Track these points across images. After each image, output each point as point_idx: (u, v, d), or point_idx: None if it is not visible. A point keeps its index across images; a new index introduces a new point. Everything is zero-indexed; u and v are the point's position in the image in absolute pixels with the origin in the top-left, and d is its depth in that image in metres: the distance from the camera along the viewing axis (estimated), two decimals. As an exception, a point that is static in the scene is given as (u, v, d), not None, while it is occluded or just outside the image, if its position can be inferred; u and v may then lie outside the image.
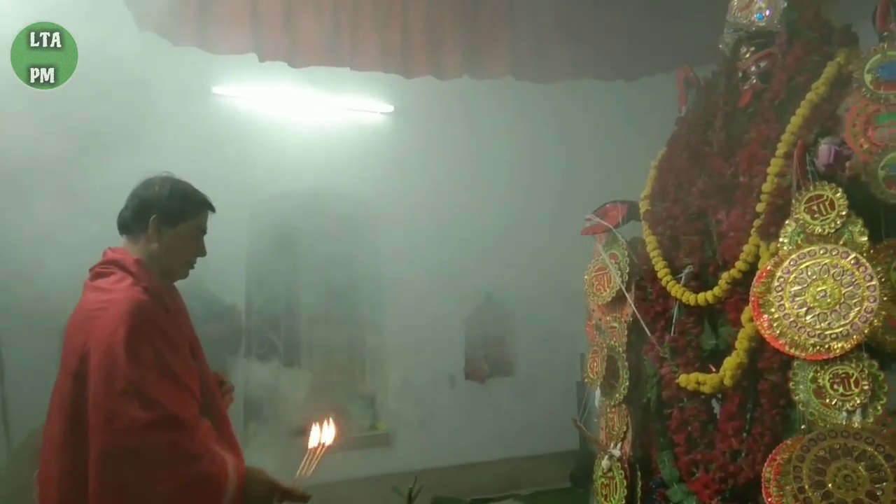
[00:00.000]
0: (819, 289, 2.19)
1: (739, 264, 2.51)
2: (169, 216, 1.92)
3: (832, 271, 2.18)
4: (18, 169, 3.44)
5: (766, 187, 2.49)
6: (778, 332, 2.24)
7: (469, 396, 5.50)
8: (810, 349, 2.16)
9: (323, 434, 2.03)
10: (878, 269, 2.12)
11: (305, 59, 3.89)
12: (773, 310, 2.26)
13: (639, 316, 2.88)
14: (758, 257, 2.46)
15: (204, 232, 2.02)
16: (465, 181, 5.20)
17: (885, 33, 2.49)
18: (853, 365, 2.11)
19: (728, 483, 2.43)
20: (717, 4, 2.95)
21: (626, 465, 2.82)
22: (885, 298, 2.08)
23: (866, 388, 2.07)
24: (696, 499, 2.53)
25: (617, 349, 2.94)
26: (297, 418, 4.55)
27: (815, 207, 2.27)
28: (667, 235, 2.90)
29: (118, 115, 3.65)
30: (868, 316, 2.08)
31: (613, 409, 2.97)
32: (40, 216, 3.34)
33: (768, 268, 2.32)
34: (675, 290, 2.74)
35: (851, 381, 2.10)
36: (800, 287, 2.22)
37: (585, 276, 3.24)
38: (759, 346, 2.38)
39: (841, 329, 2.12)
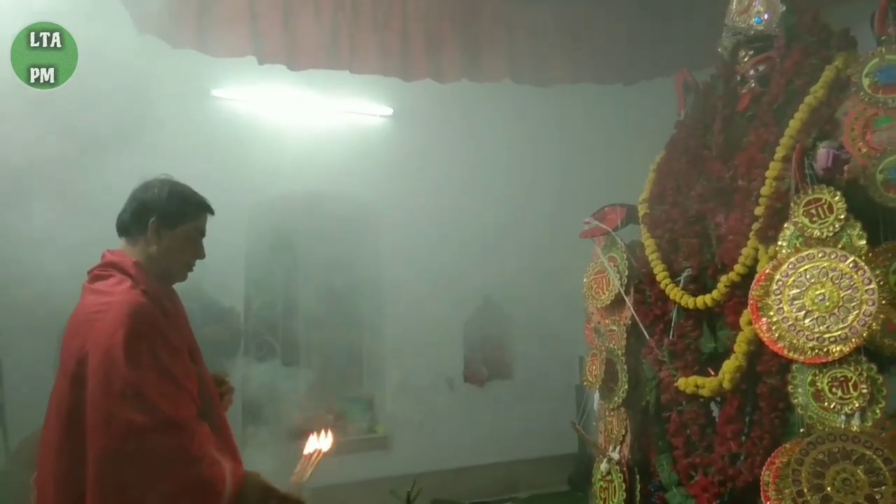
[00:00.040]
0: (818, 292, 2.19)
1: (738, 268, 2.51)
2: (168, 218, 1.92)
3: (831, 275, 2.17)
4: (18, 169, 3.44)
5: (764, 191, 2.49)
6: (777, 335, 2.24)
7: (468, 399, 5.50)
8: (809, 352, 2.16)
9: (320, 441, 2.02)
10: (877, 272, 2.12)
11: (305, 62, 3.90)
12: (771, 313, 2.26)
13: (637, 319, 2.88)
14: (756, 261, 2.46)
15: (203, 234, 2.02)
16: (464, 184, 5.20)
17: (884, 37, 2.49)
18: (852, 368, 2.11)
19: (727, 486, 2.42)
20: (716, 8, 2.95)
21: (624, 469, 2.82)
22: (883, 302, 2.08)
23: (865, 391, 2.07)
24: (695, 502, 2.53)
25: (616, 352, 2.94)
26: (296, 420, 4.56)
27: (813, 211, 2.27)
28: (665, 239, 2.90)
29: (118, 117, 3.66)
30: (866, 319, 2.08)
31: (612, 413, 2.97)
32: (40, 217, 3.34)
33: (767, 271, 2.32)
34: (674, 293, 2.74)
35: (850, 384, 2.10)
36: (798, 290, 2.22)
37: (584, 279, 3.24)
38: (758, 349, 2.38)
39: (839, 332, 2.12)
